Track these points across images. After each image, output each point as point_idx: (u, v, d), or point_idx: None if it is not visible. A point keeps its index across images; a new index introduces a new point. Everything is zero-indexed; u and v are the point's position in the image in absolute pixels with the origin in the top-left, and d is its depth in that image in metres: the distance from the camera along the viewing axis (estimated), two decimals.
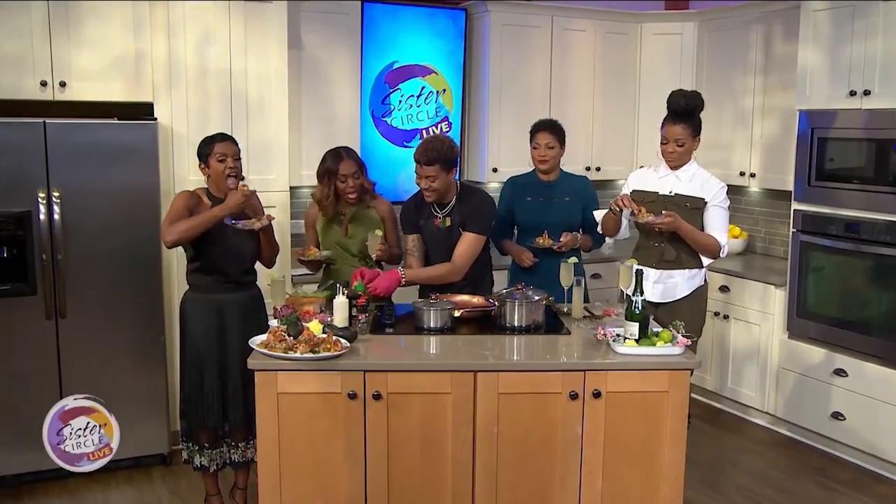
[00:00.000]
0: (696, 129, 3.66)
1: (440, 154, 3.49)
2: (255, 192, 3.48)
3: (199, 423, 3.48)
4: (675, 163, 3.70)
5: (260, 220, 3.41)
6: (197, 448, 3.52)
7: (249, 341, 2.95)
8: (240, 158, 3.47)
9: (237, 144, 3.48)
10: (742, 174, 5.16)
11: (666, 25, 5.56)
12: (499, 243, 4.08)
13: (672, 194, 3.69)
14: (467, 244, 3.58)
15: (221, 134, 3.49)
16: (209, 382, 3.45)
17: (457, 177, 3.89)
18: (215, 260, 3.44)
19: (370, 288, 3.35)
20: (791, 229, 4.60)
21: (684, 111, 3.62)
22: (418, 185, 3.60)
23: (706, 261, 3.72)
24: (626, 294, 3.07)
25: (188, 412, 3.51)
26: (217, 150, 3.40)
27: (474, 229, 3.60)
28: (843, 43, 4.22)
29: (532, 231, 3.93)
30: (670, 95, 3.67)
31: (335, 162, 3.70)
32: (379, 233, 3.65)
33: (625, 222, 3.79)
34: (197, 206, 3.40)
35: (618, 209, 3.61)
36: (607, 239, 4.08)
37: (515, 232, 4.12)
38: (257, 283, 3.62)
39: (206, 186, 3.50)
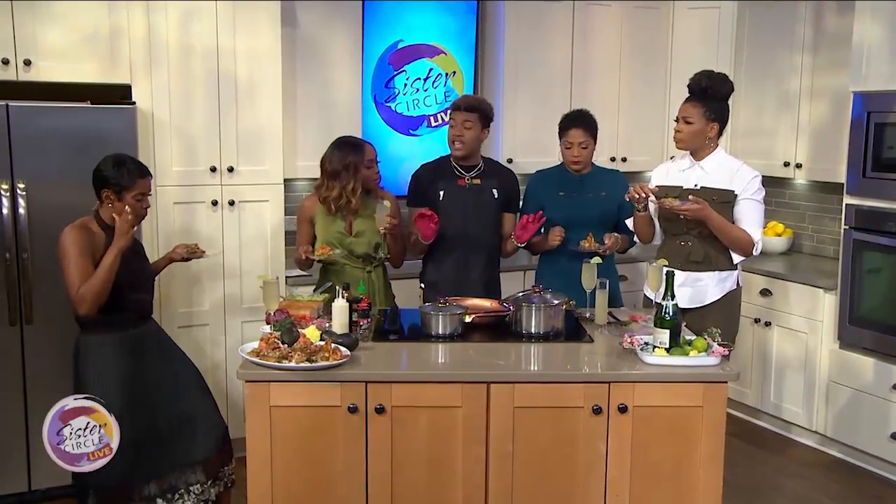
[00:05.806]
0: (712, 112, 3.67)
1: (480, 105, 3.99)
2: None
3: (107, 483, 3.23)
4: (682, 144, 3.74)
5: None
6: None
7: (239, 349, 2.97)
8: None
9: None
10: (787, 164, 5.17)
11: None
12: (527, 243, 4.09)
13: (698, 188, 3.70)
14: (511, 225, 4.07)
15: (140, 167, 3.38)
16: (127, 433, 3.01)
17: None
18: (124, 289, 3.31)
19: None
20: (843, 226, 4.60)
21: (700, 90, 3.68)
22: (449, 133, 3.98)
23: (737, 258, 3.72)
24: (648, 297, 3.06)
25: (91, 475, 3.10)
26: (139, 187, 3.32)
27: (515, 210, 4.13)
28: None
29: (564, 228, 3.94)
30: (693, 75, 3.73)
31: (357, 152, 3.84)
32: (388, 203, 3.71)
33: (657, 223, 3.81)
34: (94, 243, 3.27)
35: (639, 197, 3.57)
36: (636, 238, 4.10)
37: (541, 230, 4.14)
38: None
39: (94, 212, 3.35)
